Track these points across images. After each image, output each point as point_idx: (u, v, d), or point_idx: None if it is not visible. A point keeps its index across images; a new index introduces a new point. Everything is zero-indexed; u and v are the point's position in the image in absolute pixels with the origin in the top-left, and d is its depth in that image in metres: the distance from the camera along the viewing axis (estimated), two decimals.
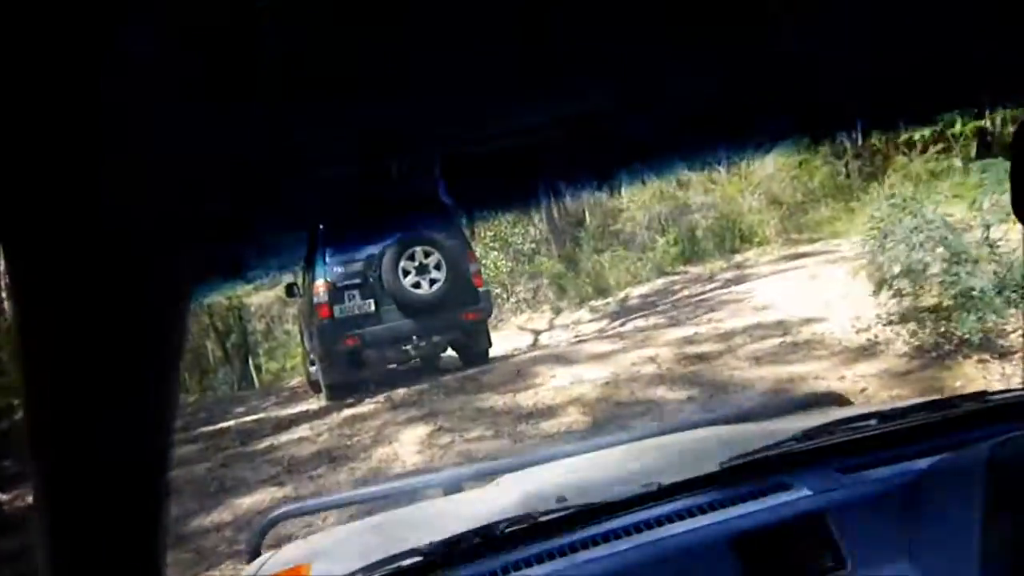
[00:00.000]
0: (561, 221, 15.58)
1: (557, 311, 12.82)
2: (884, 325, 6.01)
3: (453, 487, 1.73)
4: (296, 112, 0.62)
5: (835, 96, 0.85)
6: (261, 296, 18.42)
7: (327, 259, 7.73)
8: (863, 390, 5.04)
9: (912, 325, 5.67)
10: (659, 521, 1.25)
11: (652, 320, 9.00)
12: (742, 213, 13.52)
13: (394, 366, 8.64)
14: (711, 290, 10.37)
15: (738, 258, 12.59)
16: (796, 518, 1.22)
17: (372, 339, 7.75)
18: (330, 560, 1.46)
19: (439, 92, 0.66)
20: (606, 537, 1.24)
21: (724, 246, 13.20)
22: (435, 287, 7.70)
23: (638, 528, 1.25)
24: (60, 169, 0.47)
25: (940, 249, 5.04)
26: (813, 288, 8.16)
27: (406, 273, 7.66)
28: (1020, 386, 1.82)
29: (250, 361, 19.45)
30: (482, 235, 15.25)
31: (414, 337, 7.78)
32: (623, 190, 15.20)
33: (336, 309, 7.70)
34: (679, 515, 1.26)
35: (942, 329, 5.33)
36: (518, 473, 1.69)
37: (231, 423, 8.43)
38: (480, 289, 8.12)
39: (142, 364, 0.57)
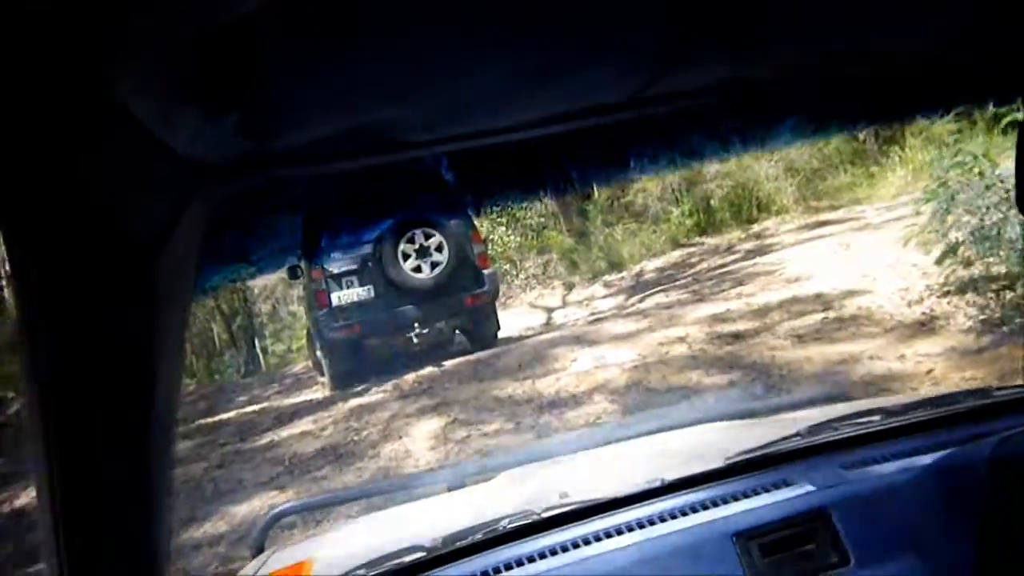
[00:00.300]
0: (569, 194, 14.96)
1: (569, 287, 12.24)
2: (939, 297, 5.39)
3: (456, 483, 1.69)
4: (305, 101, 0.60)
5: (848, 89, 0.83)
6: (265, 277, 18.07)
7: (324, 244, 7.23)
8: (929, 372, 4.43)
9: (973, 296, 5.06)
10: (662, 517, 1.24)
11: (674, 295, 8.38)
12: (758, 181, 12.87)
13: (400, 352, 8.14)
14: (733, 262, 9.75)
15: (756, 227, 11.98)
16: (800, 514, 1.21)
17: (372, 327, 7.24)
18: (333, 556, 1.42)
19: (448, 86, 0.63)
20: (609, 533, 1.22)
21: (741, 215, 12.55)
22: (437, 271, 7.16)
23: (641, 524, 1.23)
24: (61, 164, 0.47)
25: (1014, 211, 4.40)
26: (847, 257, 7.54)
27: (406, 257, 7.13)
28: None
29: (256, 343, 19.15)
30: (489, 210, 14.67)
31: (416, 324, 7.22)
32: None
33: (334, 297, 7.19)
34: (683, 511, 1.25)
35: (1011, 300, 4.72)
36: (521, 468, 1.66)
37: (231, 414, 7.88)
38: (485, 271, 7.56)
39: (144, 360, 0.56)
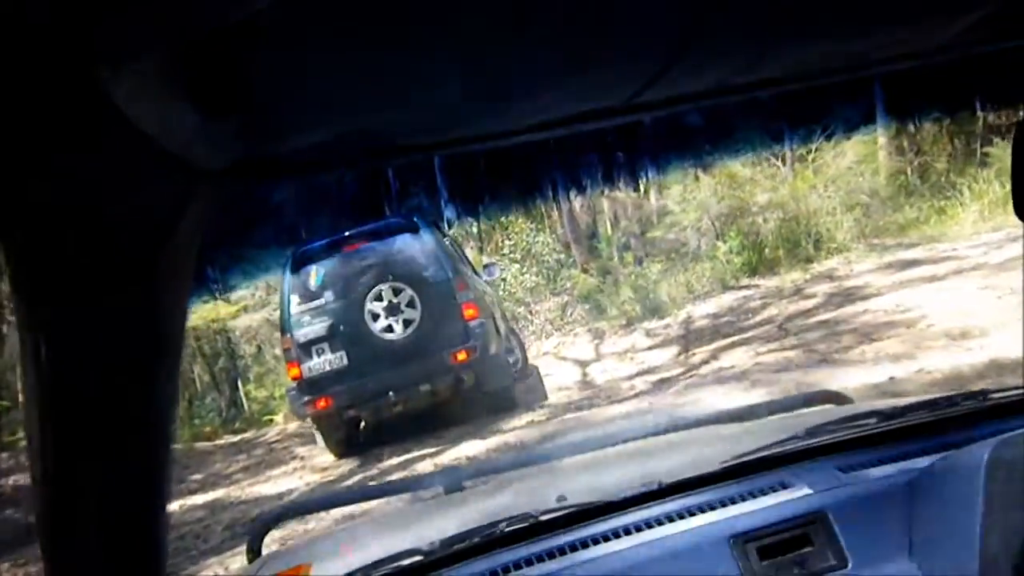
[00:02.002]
0: (582, 226, 12.83)
1: (598, 335, 9.95)
2: None
3: (453, 486, 1.58)
4: (303, 105, 0.58)
5: (849, 91, 0.75)
6: (248, 319, 15.95)
7: (293, 309, 6.05)
8: None
9: None
10: (660, 520, 1.21)
11: (769, 352, 6.09)
12: (812, 214, 10.75)
13: (405, 415, 6.35)
14: (818, 308, 7.51)
15: (818, 267, 9.79)
16: (797, 517, 1.17)
17: (347, 397, 6.06)
18: (331, 559, 1.38)
19: (446, 90, 0.61)
20: (607, 536, 1.19)
21: (797, 254, 10.37)
22: (410, 328, 6.10)
23: (639, 527, 1.20)
24: (58, 166, 0.45)
25: None
26: (1014, 306, 5.32)
27: (375, 316, 6.12)
28: (1020, 384, 1.32)
29: (240, 386, 16.95)
30: (500, 244, 12.46)
31: (390, 392, 6.02)
32: (654, 187, 12.50)
33: (305, 368, 6.07)
34: (680, 514, 1.22)
35: None
36: (518, 472, 1.61)
37: (170, 508, 5.45)
38: (472, 322, 6.19)
39: (142, 363, 0.54)
